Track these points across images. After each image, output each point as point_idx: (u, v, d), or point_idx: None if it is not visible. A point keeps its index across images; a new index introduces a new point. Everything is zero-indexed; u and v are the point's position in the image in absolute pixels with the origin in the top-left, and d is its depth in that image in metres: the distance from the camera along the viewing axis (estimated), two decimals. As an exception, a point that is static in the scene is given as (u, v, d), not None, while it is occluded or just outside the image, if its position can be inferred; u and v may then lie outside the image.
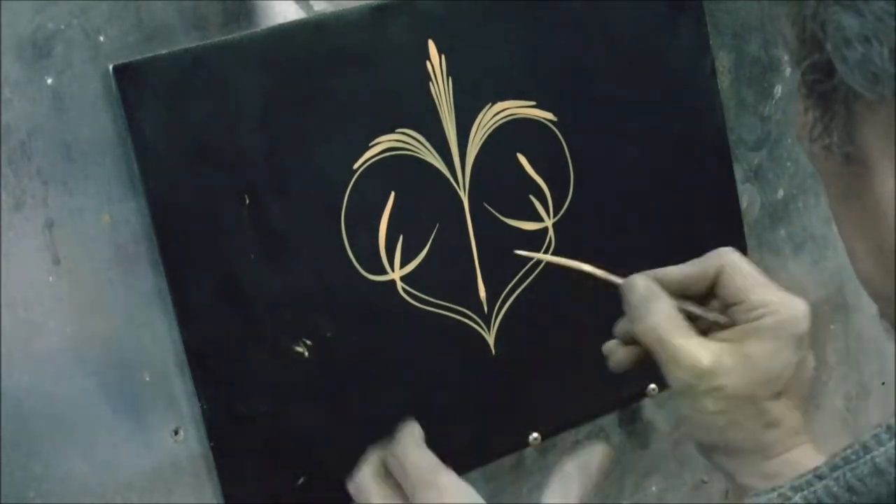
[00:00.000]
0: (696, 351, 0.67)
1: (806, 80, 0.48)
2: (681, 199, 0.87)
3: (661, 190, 0.86)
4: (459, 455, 0.72)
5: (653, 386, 0.86)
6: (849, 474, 0.45)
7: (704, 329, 0.70)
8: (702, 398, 0.67)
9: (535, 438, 0.83)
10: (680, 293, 0.71)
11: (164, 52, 0.69)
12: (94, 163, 0.68)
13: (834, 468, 0.46)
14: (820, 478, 0.47)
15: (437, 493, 0.66)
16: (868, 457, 0.45)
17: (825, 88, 0.47)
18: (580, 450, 0.69)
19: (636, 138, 0.85)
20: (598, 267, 0.72)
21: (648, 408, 0.90)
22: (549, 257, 0.78)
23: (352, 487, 0.69)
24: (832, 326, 0.99)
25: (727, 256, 0.71)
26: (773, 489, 0.48)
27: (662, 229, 0.86)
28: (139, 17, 0.68)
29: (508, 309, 0.80)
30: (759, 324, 0.68)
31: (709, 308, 0.71)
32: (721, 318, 0.69)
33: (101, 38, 0.67)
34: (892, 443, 0.44)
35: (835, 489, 0.46)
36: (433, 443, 0.74)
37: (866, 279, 0.52)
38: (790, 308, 0.68)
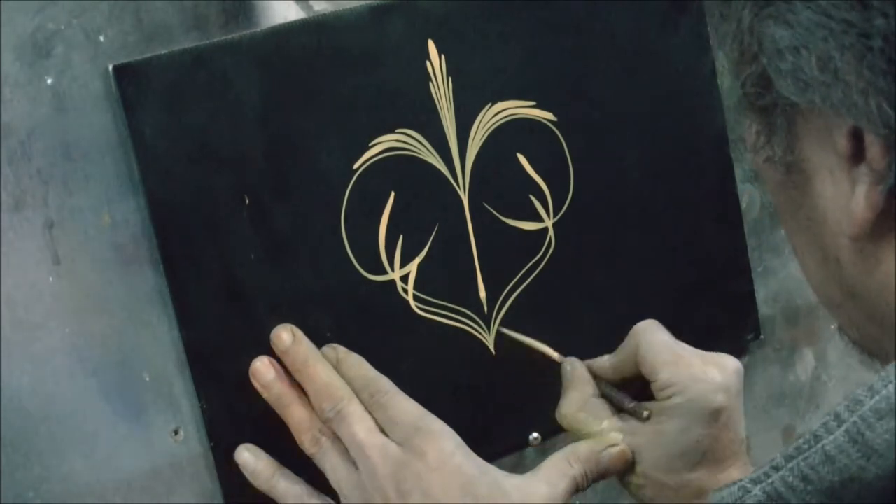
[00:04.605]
0: (605, 436, 0.73)
1: (747, 94, 0.50)
2: (681, 200, 0.87)
3: (662, 190, 0.86)
4: (459, 455, 0.72)
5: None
6: (802, 464, 0.46)
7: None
8: (622, 474, 0.73)
9: (536, 438, 0.83)
10: (617, 376, 0.75)
11: (163, 52, 0.69)
12: (94, 163, 0.68)
13: (788, 459, 0.47)
14: (776, 469, 0.47)
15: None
16: (819, 446, 0.46)
17: (765, 102, 0.49)
18: (599, 439, 0.73)
19: (636, 138, 0.85)
20: (546, 343, 0.79)
21: (649, 408, 0.89)
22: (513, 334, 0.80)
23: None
24: (832, 326, 0.99)
25: (642, 335, 0.74)
26: (734, 483, 0.49)
27: (662, 229, 0.86)
28: (139, 17, 0.68)
29: (508, 309, 0.80)
30: (668, 403, 0.72)
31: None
32: (628, 405, 0.73)
33: (101, 38, 0.67)
34: (840, 430, 0.45)
35: (790, 479, 0.47)
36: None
37: (820, 290, 0.54)
38: (700, 386, 0.71)
